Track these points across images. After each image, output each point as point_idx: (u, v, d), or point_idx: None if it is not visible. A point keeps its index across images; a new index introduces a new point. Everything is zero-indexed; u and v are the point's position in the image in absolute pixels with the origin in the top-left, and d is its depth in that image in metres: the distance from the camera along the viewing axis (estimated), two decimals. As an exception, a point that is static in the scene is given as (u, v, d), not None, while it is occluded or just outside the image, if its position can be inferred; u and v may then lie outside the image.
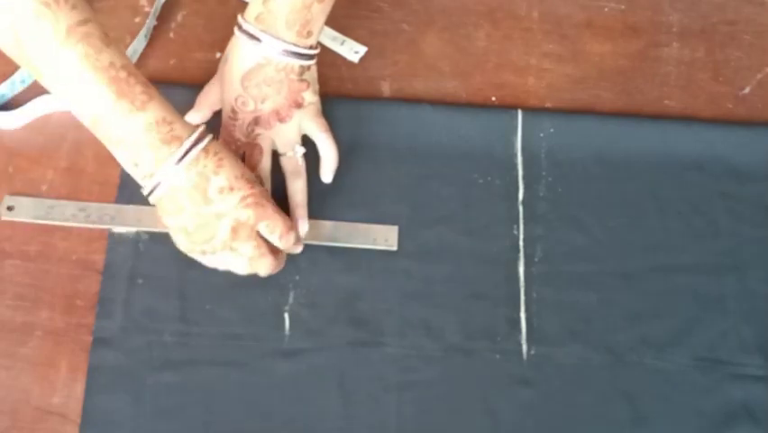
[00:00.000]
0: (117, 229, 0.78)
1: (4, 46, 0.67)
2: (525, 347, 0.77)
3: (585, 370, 0.76)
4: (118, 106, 0.67)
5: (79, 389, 0.74)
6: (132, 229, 0.78)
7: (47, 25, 0.64)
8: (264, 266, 0.73)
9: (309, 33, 0.76)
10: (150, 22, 0.87)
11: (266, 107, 0.77)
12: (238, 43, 0.77)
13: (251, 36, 0.75)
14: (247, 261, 0.73)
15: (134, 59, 0.86)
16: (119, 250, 0.78)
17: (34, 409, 0.73)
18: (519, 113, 0.85)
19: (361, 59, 0.88)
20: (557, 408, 0.75)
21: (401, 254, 0.79)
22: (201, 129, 0.71)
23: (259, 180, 0.75)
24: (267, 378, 0.75)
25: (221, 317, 0.76)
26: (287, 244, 0.73)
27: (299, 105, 0.78)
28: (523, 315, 0.78)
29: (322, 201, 0.80)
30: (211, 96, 0.80)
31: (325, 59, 0.88)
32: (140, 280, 0.77)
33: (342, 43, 0.88)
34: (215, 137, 0.72)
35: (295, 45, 0.75)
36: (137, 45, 0.85)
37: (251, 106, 0.77)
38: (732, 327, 0.78)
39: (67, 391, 0.74)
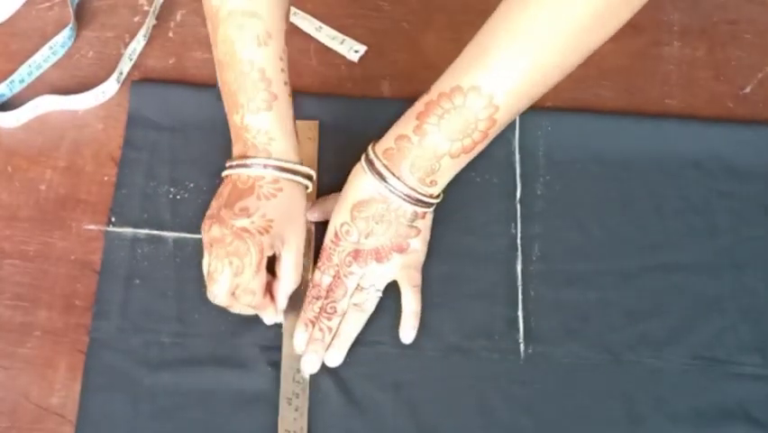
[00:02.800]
0: (114, 229, 0.78)
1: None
2: (522, 346, 0.77)
3: (583, 369, 0.76)
4: (234, 97, 0.71)
5: (78, 389, 0.74)
6: (130, 229, 0.78)
7: None
8: (212, 289, 0.71)
9: (433, 183, 0.72)
10: (150, 21, 0.86)
11: (368, 244, 0.75)
12: (360, 171, 0.74)
13: (375, 170, 0.72)
14: (206, 273, 0.72)
15: (133, 59, 0.86)
16: (116, 250, 0.78)
17: (33, 409, 0.73)
18: None
19: (361, 59, 0.88)
20: (555, 407, 0.75)
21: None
22: (301, 165, 0.73)
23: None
24: (263, 378, 0.75)
25: (217, 318, 0.76)
26: (240, 294, 0.71)
27: (402, 251, 0.75)
28: (520, 314, 0.78)
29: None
30: (327, 205, 0.78)
31: (325, 58, 0.88)
32: (137, 281, 0.77)
33: (342, 42, 0.88)
34: (303, 178, 0.73)
35: (414, 190, 0.72)
36: (136, 45, 0.85)
37: (353, 237, 0.74)
38: (730, 326, 0.78)
39: (65, 392, 0.74)
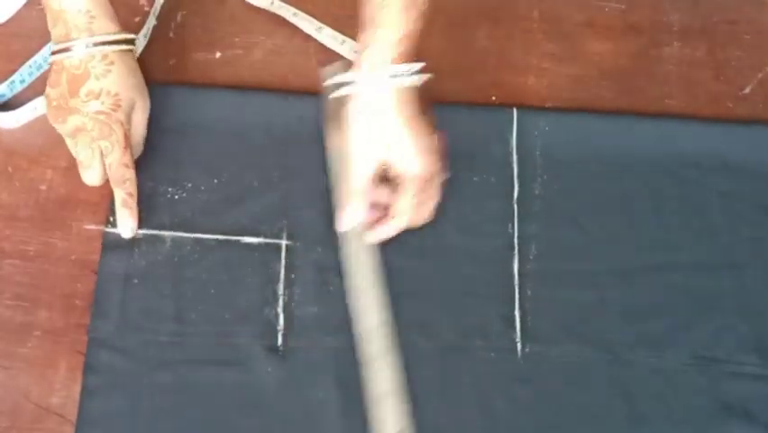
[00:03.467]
0: (112, 229, 0.78)
1: None
2: (519, 345, 0.77)
3: (580, 368, 0.77)
4: None
5: (78, 389, 0.74)
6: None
7: None
8: (84, 176, 0.75)
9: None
10: (150, 22, 0.86)
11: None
12: (397, 98, 0.75)
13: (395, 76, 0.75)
14: (77, 159, 0.75)
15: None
16: (114, 250, 0.78)
17: (33, 408, 0.73)
18: (515, 111, 0.85)
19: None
20: (552, 406, 0.75)
21: (396, 252, 0.79)
22: (120, 33, 0.77)
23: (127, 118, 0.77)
24: (263, 377, 0.75)
25: (216, 317, 0.76)
26: (112, 174, 0.75)
27: None
28: (517, 313, 0.78)
29: (320, 198, 0.80)
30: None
31: (325, 58, 0.88)
32: (135, 280, 0.77)
33: (342, 43, 0.88)
34: (128, 44, 0.78)
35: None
36: (136, 46, 0.85)
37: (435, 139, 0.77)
38: (729, 326, 0.79)
39: (66, 392, 0.74)
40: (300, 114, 0.83)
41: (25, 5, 0.88)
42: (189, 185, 0.80)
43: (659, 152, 0.84)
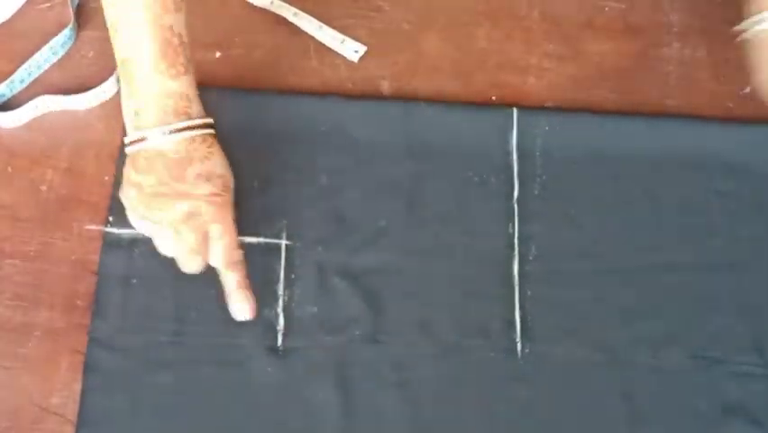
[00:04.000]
0: (112, 229, 0.78)
1: None
2: (519, 345, 0.77)
3: (580, 368, 0.77)
4: (154, 64, 0.70)
5: (79, 389, 0.74)
6: (127, 230, 0.78)
7: None
8: (191, 264, 0.73)
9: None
10: None
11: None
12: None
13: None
14: (181, 249, 0.72)
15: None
16: (114, 250, 0.78)
17: (33, 409, 0.73)
18: (515, 111, 0.85)
19: (361, 59, 0.88)
20: (552, 406, 0.76)
21: (396, 253, 0.79)
22: (210, 120, 0.73)
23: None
24: (263, 377, 0.75)
25: (216, 317, 0.76)
26: (227, 257, 0.73)
27: None
28: (517, 313, 0.78)
29: (320, 198, 0.81)
30: None
31: (325, 58, 0.88)
32: (134, 281, 0.77)
33: (342, 42, 0.88)
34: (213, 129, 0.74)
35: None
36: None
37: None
38: (728, 326, 0.79)
39: (66, 392, 0.74)
40: (300, 114, 0.83)
41: (25, 5, 0.88)
42: (190, 185, 0.80)
43: (658, 152, 0.84)
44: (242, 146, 0.80)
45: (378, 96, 0.86)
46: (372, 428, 0.74)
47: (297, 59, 0.87)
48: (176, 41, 0.70)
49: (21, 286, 0.77)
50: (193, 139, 0.71)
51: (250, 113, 0.83)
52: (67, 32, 0.85)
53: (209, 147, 0.72)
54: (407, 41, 0.89)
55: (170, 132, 0.70)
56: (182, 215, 0.71)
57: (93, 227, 0.79)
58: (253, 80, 0.86)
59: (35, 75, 0.85)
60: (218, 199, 0.72)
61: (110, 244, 0.78)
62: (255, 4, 0.89)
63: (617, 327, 0.78)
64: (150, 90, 0.70)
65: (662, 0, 0.93)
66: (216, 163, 0.73)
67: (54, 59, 0.86)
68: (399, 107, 0.82)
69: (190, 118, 0.71)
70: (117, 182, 0.80)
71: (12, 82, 0.84)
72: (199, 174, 0.71)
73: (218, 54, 0.87)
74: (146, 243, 0.78)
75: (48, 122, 0.83)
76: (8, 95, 0.84)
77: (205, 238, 0.72)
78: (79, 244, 0.79)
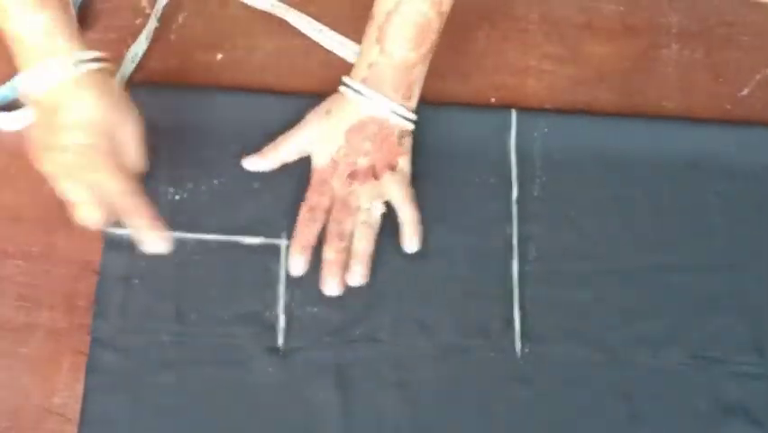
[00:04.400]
0: (113, 230, 0.78)
1: None
2: (519, 346, 0.77)
3: (580, 368, 0.77)
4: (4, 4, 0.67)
5: (80, 389, 0.74)
6: (129, 230, 0.78)
7: None
8: (85, 215, 0.70)
9: (410, 97, 0.78)
10: (152, 23, 0.87)
11: (364, 163, 0.78)
12: (345, 99, 0.78)
13: (362, 95, 0.76)
14: (72, 200, 0.71)
15: (136, 61, 0.86)
16: (115, 250, 0.78)
17: (35, 409, 0.74)
18: (513, 112, 0.85)
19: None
20: (552, 406, 0.76)
21: (396, 254, 0.79)
22: (87, 51, 0.71)
23: None
24: (264, 377, 0.75)
25: (217, 317, 0.76)
26: (121, 203, 0.70)
27: (392, 169, 0.79)
28: (517, 313, 0.78)
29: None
30: (295, 145, 0.80)
31: (325, 59, 0.88)
32: (136, 281, 0.77)
33: (342, 44, 0.88)
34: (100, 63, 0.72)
35: (400, 106, 0.77)
36: (138, 48, 0.86)
37: (351, 158, 0.78)
38: (727, 326, 0.79)
39: (68, 392, 0.74)
40: (301, 115, 0.83)
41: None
42: (190, 185, 0.80)
43: (657, 153, 0.84)
44: (241, 146, 0.80)
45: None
46: (372, 428, 0.75)
47: (298, 60, 0.88)
48: None
49: (23, 286, 0.77)
50: (61, 83, 0.69)
51: (250, 113, 0.83)
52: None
53: (78, 89, 0.69)
54: (407, 43, 0.90)
55: (25, 79, 0.69)
56: (59, 168, 0.70)
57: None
58: (255, 82, 0.86)
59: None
60: (85, 150, 0.69)
61: (111, 244, 0.78)
62: (256, 6, 0.89)
63: (616, 327, 0.78)
64: (6, 32, 0.69)
65: (660, 1, 0.93)
66: (88, 108, 0.69)
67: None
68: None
69: (52, 56, 0.68)
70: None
71: (13, 83, 0.84)
72: (63, 125, 0.69)
73: (219, 56, 0.87)
74: (147, 243, 0.78)
75: (49, 123, 0.83)
76: (10, 96, 0.84)
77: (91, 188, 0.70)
78: (81, 244, 0.79)
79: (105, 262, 0.78)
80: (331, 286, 0.77)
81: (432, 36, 0.76)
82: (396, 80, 0.77)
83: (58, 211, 0.79)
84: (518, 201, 0.82)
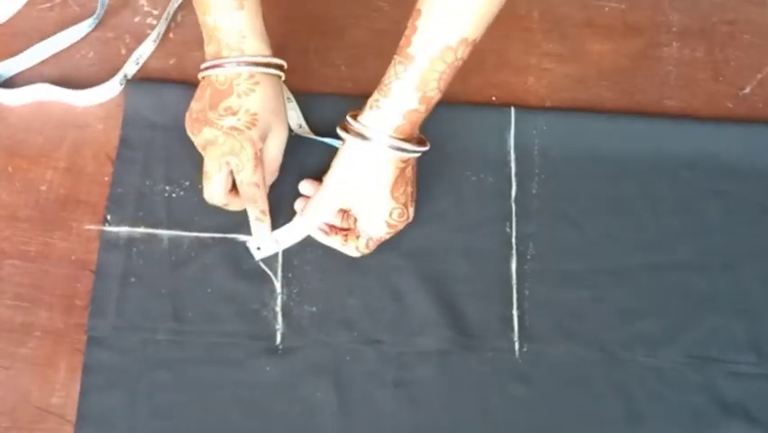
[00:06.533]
0: (109, 228, 0.78)
1: None
2: (517, 345, 0.77)
3: (577, 367, 0.77)
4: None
5: (78, 389, 0.74)
6: (125, 228, 0.78)
7: None
8: (207, 188, 0.75)
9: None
10: (161, 26, 0.86)
11: (412, 210, 0.77)
12: (380, 158, 0.74)
13: (400, 149, 0.73)
14: (203, 173, 0.76)
15: (139, 64, 0.86)
16: (112, 249, 0.78)
17: (33, 409, 0.74)
18: (512, 110, 0.85)
19: (361, 59, 0.88)
20: (550, 404, 0.76)
21: (394, 252, 0.79)
22: (271, 57, 0.76)
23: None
24: (261, 376, 0.75)
25: (214, 316, 0.76)
26: (246, 190, 0.76)
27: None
28: (515, 312, 0.78)
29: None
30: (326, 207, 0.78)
31: (326, 59, 0.88)
32: (132, 279, 0.77)
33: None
34: (277, 69, 0.77)
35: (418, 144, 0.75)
36: (144, 49, 0.85)
37: (405, 216, 0.76)
38: (724, 325, 0.79)
39: (66, 392, 0.74)
40: (301, 114, 0.83)
41: (25, 5, 0.88)
42: (187, 183, 0.80)
43: (656, 151, 0.84)
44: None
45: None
46: (371, 426, 0.74)
47: (298, 59, 0.87)
48: None
49: (20, 286, 0.77)
50: (238, 74, 0.74)
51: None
52: (90, 21, 0.86)
53: (253, 84, 0.75)
54: (407, 42, 0.89)
55: (212, 66, 0.75)
56: (203, 141, 0.75)
57: (92, 227, 0.79)
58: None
59: (38, 60, 0.85)
60: (235, 133, 0.74)
61: (108, 243, 0.78)
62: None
63: (614, 326, 0.78)
64: (208, 23, 0.75)
65: (661, 0, 0.93)
66: (253, 101, 0.75)
67: (60, 48, 0.86)
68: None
69: (242, 53, 0.75)
70: (115, 181, 0.80)
71: (13, 62, 0.84)
72: (229, 107, 0.75)
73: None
74: (144, 242, 0.78)
75: (48, 122, 0.83)
76: (6, 75, 0.84)
77: (228, 170, 0.75)
78: (79, 243, 0.79)
79: (101, 261, 0.78)
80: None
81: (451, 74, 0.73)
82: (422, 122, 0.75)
83: (55, 211, 0.80)
84: (517, 199, 0.82)
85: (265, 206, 0.77)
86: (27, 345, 0.75)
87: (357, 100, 0.85)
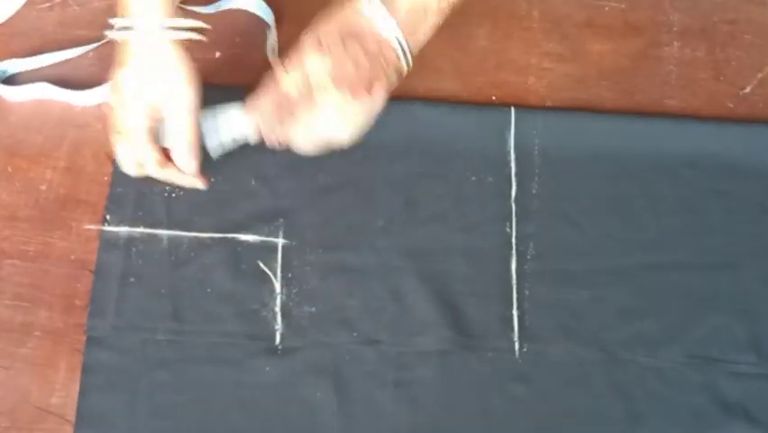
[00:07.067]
0: (109, 228, 0.78)
1: None
2: (517, 345, 0.77)
3: (578, 367, 0.77)
4: None
5: (78, 389, 0.74)
6: (124, 228, 0.78)
7: None
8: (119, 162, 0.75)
9: (415, 41, 0.74)
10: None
11: (351, 70, 0.73)
12: (353, 8, 0.73)
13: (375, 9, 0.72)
14: None
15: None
16: (111, 249, 0.78)
17: (33, 409, 0.74)
18: (512, 110, 0.85)
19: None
20: (550, 405, 0.76)
21: (394, 252, 0.79)
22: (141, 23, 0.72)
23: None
24: (261, 376, 0.75)
25: (213, 316, 0.76)
26: (156, 174, 0.75)
27: (368, 92, 0.74)
28: (515, 312, 0.78)
29: (317, 197, 0.81)
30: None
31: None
32: (132, 279, 0.77)
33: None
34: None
35: (405, 40, 0.73)
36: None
37: (339, 55, 0.72)
38: (725, 325, 0.79)
39: (65, 392, 0.74)
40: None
41: (25, 5, 0.88)
42: (186, 183, 0.80)
43: (656, 151, 0.84)
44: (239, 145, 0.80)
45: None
46: (370, 427, 0.74)
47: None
48: None
49: (20, 286, 0.77)
50: (119, 42, 0.72)
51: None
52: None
53: (129, 56, 0.72)
54: (407, 41, 0.89)
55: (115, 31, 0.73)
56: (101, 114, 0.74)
57: (91, 227, 0.79)
58: (253, 80, 0.86)
59: (43, 64, 0.86)
60: (103, 112, 0.73)
61: (107, 242, 0.78)
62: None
63: (614, 325, 0.78)
64: None
65: (662, 0, 0.93)
66: (134, 66, 0.72)
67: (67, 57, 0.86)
68: (398, 107, 0.81)
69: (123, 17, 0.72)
70: (114, 181, 0.80)
71: (16, 62, 0.85)
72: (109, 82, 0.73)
73: (218, 54, 0.87)
74: (143, 241, 0.78)
75: (47, 121, 0.83)
76: (9, 71, 0.85)
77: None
78: (78, 243, 0.79)
79: (100, 261, 0.78)
80: None
81: None
82: (410, 16, 0.72)
83: (55, 211, 0.80)
84: (517, 199, 0.82)
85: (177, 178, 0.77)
86: (27, 344, 0.75)
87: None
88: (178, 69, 0.73)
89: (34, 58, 0.85)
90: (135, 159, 0.74)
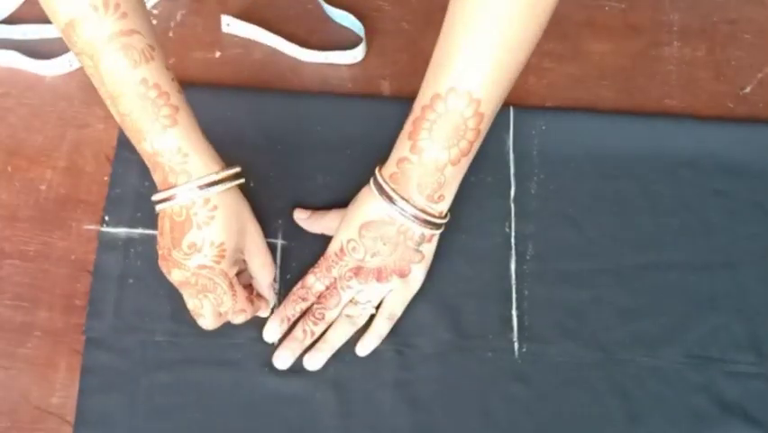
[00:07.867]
0: (107, 229, 0.78)
1: (66, 39, 0.65)
2: (516, 345, 0.77)
3: (577, 367, 0.77)
4: (138, 125, 0.65)
5: (77, 389, 0.74)
6: (123, 229, 0.78)
7: (91, 28, 0.62)
8: (201, 323, 0.72)
9: (441, 198, 0.72)
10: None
11: (372, 263, 0.74)
12: (369, 193, 0.73)
13: (384, 193, 0.72)
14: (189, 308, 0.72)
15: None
16: (110, 250, 0.78)
17: (33, 409, 0.74)
18: (511, 110, 0.85)
19: (361, 59, 0.88)
20: (550, 405, 0.76)
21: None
22: (222, 171, 0.68)
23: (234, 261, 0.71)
24: (261, 377, 0.75)
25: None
26: (235, 319, 0.72)
27: (403, 275, 0.75)
28: (514, 312, 0.78)
29: (316, 198, 0.81)
30: (328, 222, 0.78)
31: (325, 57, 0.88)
32: (130, 280, 0.77)
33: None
34: (232, 180, 0.70)
35: (424, 211, 0.71)
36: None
37: (359, 255, 0.74)
38: (724, 325, 0.79)
39: (65, 392, 0.74)
40: (298, 113, 0.83)
41: (24, 4, 0.88)
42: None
43: (656, 151, 0.84)
44: (237, 145, 0.80)
45: (378, 96, 0.86)
46: (370, 427, 0.74)
47: (297, 59, 0.87)
48: (153, 93, 0.65)
49: (20, 286, 0.77)
50: (193, 202, 0.67)
51: (247, 112, 0.83)
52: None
53: (211, 210, 0.68)
54: (407, 41, 0.89)
55: (163, 199, 0.68)
56: (177, 282, 0.70)
57: (91, 227, 0.79)
58: (253, 80, 0.86)
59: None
60: (205, 272, 0.69)
61: (106, 243, 0.78)
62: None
63: (614, 326, 0.78)
64: (146, 150, 0.67)
65: (662, 0, 0.93)
66: (215, 230, 0.68)
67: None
68: (399, 107, 0.81)
69: (189, 177, 0.67)
70: (113, 182, 0.80)
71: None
72: (192, 244, 0.68)
73: (218, 54, 0.87)
74: (142, 242, 0.78)
75: (47, 121, 0.83)
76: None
77: (209, 301, 0.71)
78: (78, 243, 0.79)
79: (99, 262, 0.78)
80: (284, 361, 0.75)
81: (468, 137, 0.69)
82: (424, 180, 0.71)
83: (55, 211, 0.80)
84: (516, 199, 0.82)
85: (267, 311, 0.76)
86: (27, 345, 0.75)
87: (356, 100, 0.85)
88: (240, 208, 0.71)
89: (7, 26, 0.85)
90: (222, 311, 0.72)
